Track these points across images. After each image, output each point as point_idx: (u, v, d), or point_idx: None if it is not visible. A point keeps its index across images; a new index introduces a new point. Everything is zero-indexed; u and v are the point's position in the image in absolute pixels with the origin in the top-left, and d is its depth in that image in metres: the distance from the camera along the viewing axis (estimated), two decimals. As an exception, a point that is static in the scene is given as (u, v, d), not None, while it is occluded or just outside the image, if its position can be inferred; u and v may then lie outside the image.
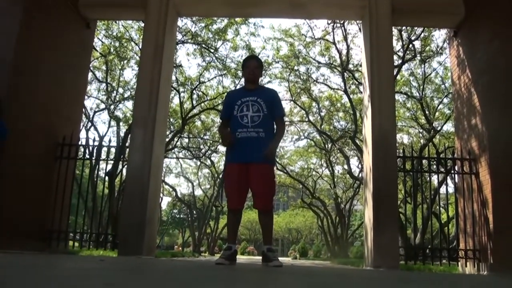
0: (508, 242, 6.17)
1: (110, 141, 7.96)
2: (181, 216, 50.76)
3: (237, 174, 4.52)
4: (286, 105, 20.87)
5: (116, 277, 2.26)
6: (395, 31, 13.23)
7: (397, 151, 7.35)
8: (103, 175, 17.01)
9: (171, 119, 18.10)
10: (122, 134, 16.52)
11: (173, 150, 21.80)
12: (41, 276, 2.11)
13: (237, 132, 4.54)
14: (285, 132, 5.16)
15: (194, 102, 18.26)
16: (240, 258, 21.68)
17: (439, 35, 15.50)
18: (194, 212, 31.68)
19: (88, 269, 2.74)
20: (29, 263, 3.08)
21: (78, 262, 3.66)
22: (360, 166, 21.85)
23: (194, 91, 17.94)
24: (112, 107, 17.60)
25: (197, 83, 17.77)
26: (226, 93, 5.29)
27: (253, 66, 4.83)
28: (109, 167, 12.70)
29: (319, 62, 17.73)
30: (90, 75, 14.68)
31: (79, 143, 7.82)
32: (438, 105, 17.82)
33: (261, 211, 4.60)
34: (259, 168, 4.48)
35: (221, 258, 4.35)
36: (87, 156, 7.77)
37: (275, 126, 4.78)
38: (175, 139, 19.65)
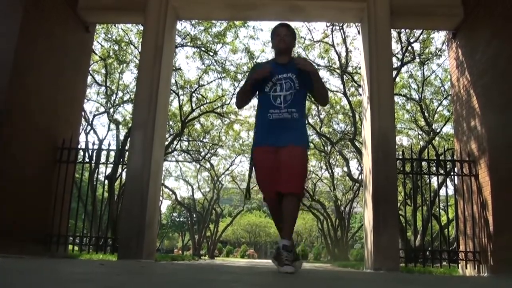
0: (508, 244, 6.17)
1: (109, 144, 7.94)
2: (181, 219, 50.78)
3: (270, 159, 3.91)
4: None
5: (115, 281, 2.25)
6: (394, 33, 13.26)
7: (397, 153, 7.35)
8: (103, 179, 17.01)
9: (171, 122, 18.11)
10: (121, 137, 16.56)
11: (172, 153, 21.82)
12: (41, 280, 2.10)
13: (268, 113, 3.99)
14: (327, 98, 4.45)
15: (194, 105, 18.27)
16: (240, 261, 21.65)
17: (438, 37, 15.57)
18: (194, 215, 31.67)
19: (88, 273, 2.73)
20: (28, 267, 3.07)
21: (78, 266, 3.65)
22: (359, 168, 21.88)
23: (193, 94, 17.96)
24: (111, 110, 17.63)
25: (197, 86, 17.80)
26: (254, 64, 4.61)
27: (283, 33, 4.17)
28: (109, 170, 12.72)
29: (318, 65, 17.74)
30: (89, 78, 14.71)
31: (79, 146, 7.82)
32: (438, 107, 17.85)
33: (288, 194, 3.76)
34: (292, 150, 3.86)
35: (287, 266, 3.57)
36: (87, 160, 7.76)
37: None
38: (175, 142, 19.66)
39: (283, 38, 4.14)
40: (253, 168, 4.12)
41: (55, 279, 2.20)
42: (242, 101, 4.31)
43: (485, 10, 6.99)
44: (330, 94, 19.37)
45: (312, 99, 4.32)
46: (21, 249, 6.13)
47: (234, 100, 19.10)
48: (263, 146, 4.00)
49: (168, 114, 11.95)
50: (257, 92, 4.23)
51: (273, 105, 3.99)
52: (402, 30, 13.61)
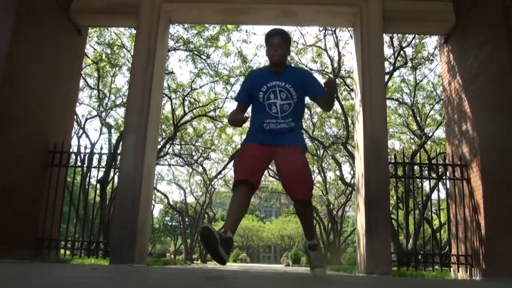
0: (500, 247, 6.20)
1: (101, 148, 7.92)
2: (173, 223, 50.64)
3: (258, 150, 3.84)
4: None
5: (107, 286, 2.24)
6: (386, 38, 13.33)
7: (389, 157, 7.37)
8: (95, 183, 16.98)
9: (163, 126, 18.09)
10: (113, 141, 16.51)
11: (165, 157, 21.76)
12: (32, 285, 2.08)
13: (264, 123, 3.89)
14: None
15: (186, 108, 18.27)
16: (233, 266, 21.60)
17: (430, 42, 15.68)
18: (186, 219, 31.56)
19: (79, 278, 2.72)
20: (19, 272, 3.05)
21: (70, 270, 3.63)
22: (352, 172, 21.91)
23: (186, 98, 17.96)
24: (103, 114, 17.59)
25: (189, 89, 17.80)
26: (248, 72, 4.44)
27: (276, 43, 3.98)
28: (101, 174, 12.65)
29: (311, 69, 17.78)
30: (81, 82, 14.66)
31: (71, 150, 7.78)
32: (430, 111, 17.95)
33: (300, 201, 3.87)
34: (291, 151, 3.84)
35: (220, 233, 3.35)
36: (79, 164, 7.72)
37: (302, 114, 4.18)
38: (167, 146, 19.64)
39: (277, 50, 3.97)
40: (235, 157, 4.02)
41: (46, 283, 2.19)
42: (235, 125, 4.14)
43: (477, 16, 7.03)
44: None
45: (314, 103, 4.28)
46: (12, 254, 6.08)
47: (226, 103, 19.09)
48: (254, 143, 3.90)
49: (161, 117, 11.92)
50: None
51: (269, 114, 3.89)
52: (395, 34, 13.70)
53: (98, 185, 12.33)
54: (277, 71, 3.99)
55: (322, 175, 25.01)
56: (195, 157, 24.16)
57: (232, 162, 4.01)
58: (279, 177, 4.01)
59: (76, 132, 17.78)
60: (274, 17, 8.12)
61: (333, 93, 3.84)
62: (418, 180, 7.97)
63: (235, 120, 3.97)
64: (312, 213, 4.02)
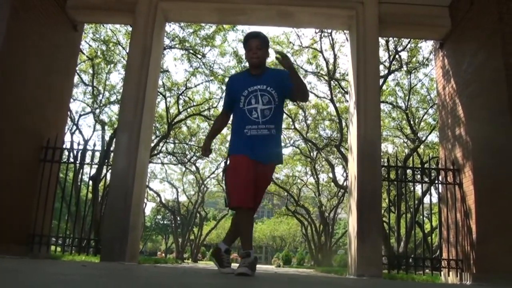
0: (490, 252, 6.23)
1: (94, 145, 7.89)
2: (165, 222, 50.56)
3: (248, 168, 3.85)
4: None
5: (97, 283, 2.23)
6: (382, 42, 13.37)
7: (382, 160, 7.39)
8: (87, 179, 16.92)
9: (157, 124, 18.04)
10: (107, 138, 16.44)
11: (158, 155, 21.70)
12: (22, 281, 2.07)
13: (245, 129, 3.90)
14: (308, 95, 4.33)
15: (180, 107, 18.24)
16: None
17: (426, 47, 15.73)
18: (178, 218, 31.52)
19: (69, 275, 2.70)
20: (9, 268, 3.03)
21: (60, 267, 3.61)
22: (344, 174, 21.96)
23: (180, 97, 17.93)
24: (97, 110, 17.54)
25: (184, 88, 17.77)
26: (228, 78, 4.63)
27: (255, 46, 4.00)
28: (93, 171, 12.60)
29: (306, 70, 17.81)
30: (76, 78, 14.60)
31: (64, 146, 7.74)
32: (423, 116, 18.01)
33: (252, 210, 3.96)
34: (266, 170, 4.02)
35: (244, 267, 3.63)
36: (71, 160, 7.69)
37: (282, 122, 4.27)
38: (161, 144, 19.58)
39: (256, 52, 4.00)
40: (227, 173, 4.05)
41: (35, 280, 2.17)
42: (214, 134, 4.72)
43: (472, 22, 7.06)
44: (317, 100, 19.44)
45: (290, 101, 4.49)
46: (3, 250, 6.04)
47: (221, 103, 19.10)
48: (244, 156, 3.88)
49: (155, 115, 11.90)
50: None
51: (250, 120, 3.91)
52: (390, 38, 13.73)
53: (91, 182, 12.30)
54: (257, 74, 4.02)
55: (315, 177, 25.06)
56: (188, 156, 24.12)
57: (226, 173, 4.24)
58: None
59: (70, 128, 17.73)
60: (270, 18, 8.13)
61: (292, 69, 3.94)
62: (410, 183, 8.00)
63: (207, 139, 4.54)
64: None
